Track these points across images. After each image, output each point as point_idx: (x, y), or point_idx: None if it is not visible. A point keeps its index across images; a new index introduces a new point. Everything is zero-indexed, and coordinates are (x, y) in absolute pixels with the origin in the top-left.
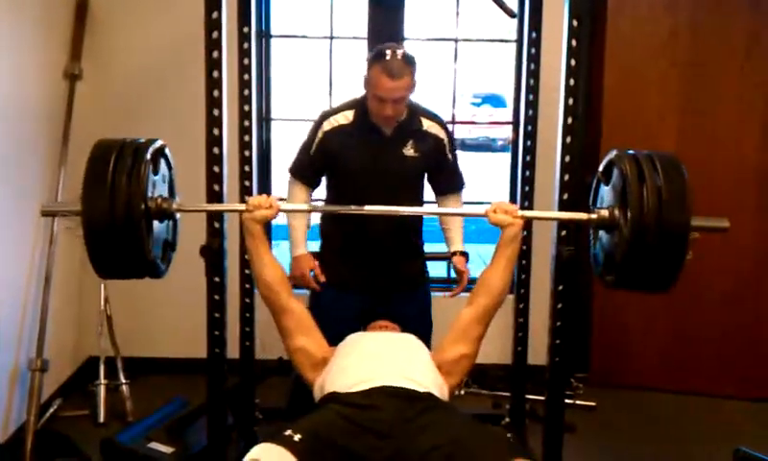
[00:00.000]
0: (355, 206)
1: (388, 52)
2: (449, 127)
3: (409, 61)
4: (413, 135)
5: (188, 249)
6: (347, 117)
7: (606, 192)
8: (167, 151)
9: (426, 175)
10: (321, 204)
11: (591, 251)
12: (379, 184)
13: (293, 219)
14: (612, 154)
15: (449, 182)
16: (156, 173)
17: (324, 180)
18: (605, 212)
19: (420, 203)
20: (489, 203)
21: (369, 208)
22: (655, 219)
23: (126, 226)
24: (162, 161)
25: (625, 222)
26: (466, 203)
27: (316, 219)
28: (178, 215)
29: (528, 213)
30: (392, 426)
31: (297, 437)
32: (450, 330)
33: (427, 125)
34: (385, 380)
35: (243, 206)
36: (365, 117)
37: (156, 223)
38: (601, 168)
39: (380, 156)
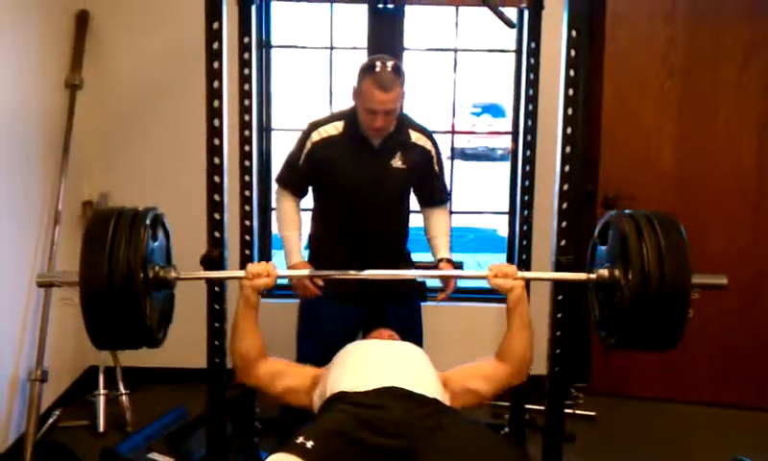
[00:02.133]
0: (354, 271)
1: (378, 64)
2: (438, 139)
3: (399, 73)
4: (401, 147)
5: (189, 258)
6: (336, 128)
7: (603, 253)
8: (164, 219)
9: (413, 187)
10: (308, 214)
11: (592, 312)
12: (367, 196)
13: (286, 230)
14: (609, 215)
15: (435, 195)
16: (154, 241)
17: (311, 190)
18: (604, 272)
19: (407, 214)
20: (488, 212)
21: (367, 273)
22: (657, 277)
23: (125, 296)
24: (160, 230)
25: (626, 281)
26: (467, 211)
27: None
28: (175, 286)
29: (527, 274)
30: (403, 426)
31: (309, 444)
32: (472, 366)
33: (415, 137)
34: (392, 382)
35: (242, 274)
36: (354, 128)
37: (154, 294)
38: (598, 229)
39: (369, 167)
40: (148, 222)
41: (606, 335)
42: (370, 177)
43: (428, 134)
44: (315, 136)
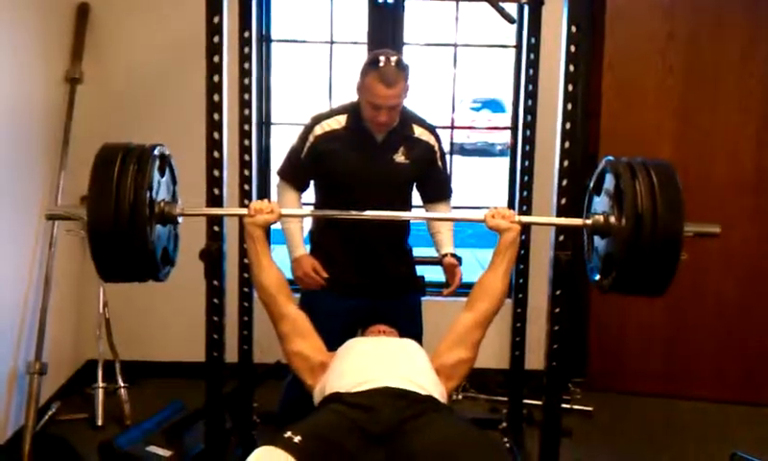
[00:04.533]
0: (355, 211)
1: (382, 59)
2: (440, 134)
3: (403, 68)
4: (404, 142)
5: (188, 252)
6: (339, 122)
7: (599, 199)
8: (171, 157)
9: (416, 182)
10: (311, 207)
11: (586, 256)
12: (370, 190)
13: (288, 223)
14: (605, 161)
15: (438, 190)
16: (161, 176)
17: (312, 183)
18: (599, 217)
19: (410, 208)
20: (487, 207)
21: (369, 214)
22: (650, 221)
23: (130, 227)
24: (166, 167)
25: (620, 225)
26: (464, 207)
27: (307, 222)
28: (180, 220)
29: (525, 218)
30: (391, 428)
31: (297, 438)
32: (448, 334)
33: (418, 132)
34: (387, 382)
35: (245, 211)
36: (357, 122)
37: (158, 227)
38: (594, 176)
39: (371, 161)
40: (155, 157)
41: (600, 279)
42: (372, 171)
43: (431, 129)
44: (318, 130)
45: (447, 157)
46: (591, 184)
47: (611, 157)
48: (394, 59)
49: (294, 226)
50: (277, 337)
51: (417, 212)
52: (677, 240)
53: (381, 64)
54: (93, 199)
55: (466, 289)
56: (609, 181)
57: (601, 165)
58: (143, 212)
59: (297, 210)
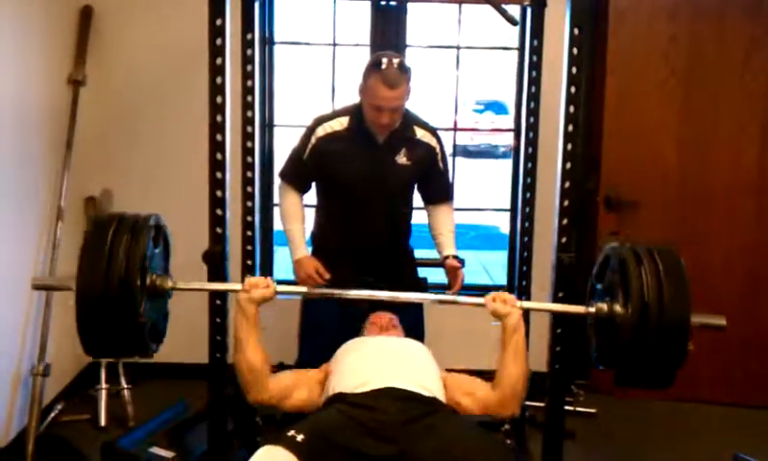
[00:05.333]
0: (354, 292)
1: (384, 61)
2: (442, 136)
3: (405, 70)
4: (405, 144)
5: (191, 254)
6: (341, 123)
7: (603, 286)
8: (166, 228)
9: (417, 184)
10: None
11: (589, 345)
12: (371, 191)
13: (290, 223)
14: (609, 248)
15: (439, 192)
16: (154, 247)
17: (314, 184)
18: (603, 306)
19: (410, 210)
20: (489, 209)
21: (367, 294)
22: (656, 312)
23: (120, 300)
24: (160, 238)
25: (625, 315)
26: (468, 208)
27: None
28: (169, 301)
29: (526, 304)
30: (395, 428)
31: (300, 437)
32: (467, 381)
33: (420, 134)
34: (391, 382)
35: (239, 287)
36: (359, 124)
37: (149, 302)
38: (598, 262)
39: (373, 163)
40: (148, 228)
41: (604, 370)
42: (374, 173)
43: (433, 131)
44: (320, 131)
45: (450, 158)
46: (595, 270)
47: (614, 244)
48: (396, 61)
49: (295, 226)
50: (270, 405)
51: (419, 295)
52: (684, 332)
53: (384, 66)
54: (83, 270)
55: (468, 291)
56: (613, 268)
57: (604, 252)
58: (134, 285)
59: (292, 288)
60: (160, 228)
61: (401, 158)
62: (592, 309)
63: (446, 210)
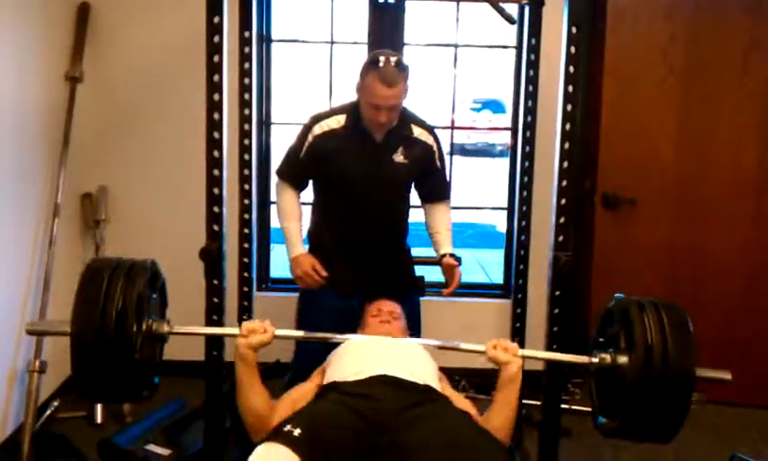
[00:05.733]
0: (340, 336)
1: (382, 59)
2: (440, 135)
3: (403, 68)
4: (403, 142)
5: (187, 251)
6: (338, 121)
7: (607, 337)
8: (161, 271)
9: (414, 182)
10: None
11: (591, 397)
12: (368, 189)
13: (287, 221)
14: (614, 301)
15: (436, 190)
16: (152, 293)
17: (311, 183)
18: (606, 357)
19: (407, 208)
20: (486, 207)
21: (360, 338)
22: (660, 365)
23: (116, 346)
24: (156, 284)
25: (628, 367)
26: (466, 207)
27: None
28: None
29: (527, 352)
30: (389, 416)
31: (296, 432)
32: (463, 401)
33: (417, 132)
34: (384, 370)
35: (237, 331)
36: (356, 122)
37: (145, 347)
38: (602, 313)
39: (370, 161)
40: (144, 273)
41: (606, 422)
42: (371, 171)
43: (430, 130)
44: (317, 129)
45: (447, 157)
46: (600, 322)
47: (620, 295)
48: (394, 59)
49: (292, 224)
50: None
51: (421, 340)
52: (688, 386)
53: (381, 65)
54: (78, 314)
55: (465, 289)
56: (617, 320)
57: (608, 306)
58: (130, 330)
59: (289, 332)
60: (156, 273)
61: (398, 157)
62: (595, 360)
63: (443, 209)
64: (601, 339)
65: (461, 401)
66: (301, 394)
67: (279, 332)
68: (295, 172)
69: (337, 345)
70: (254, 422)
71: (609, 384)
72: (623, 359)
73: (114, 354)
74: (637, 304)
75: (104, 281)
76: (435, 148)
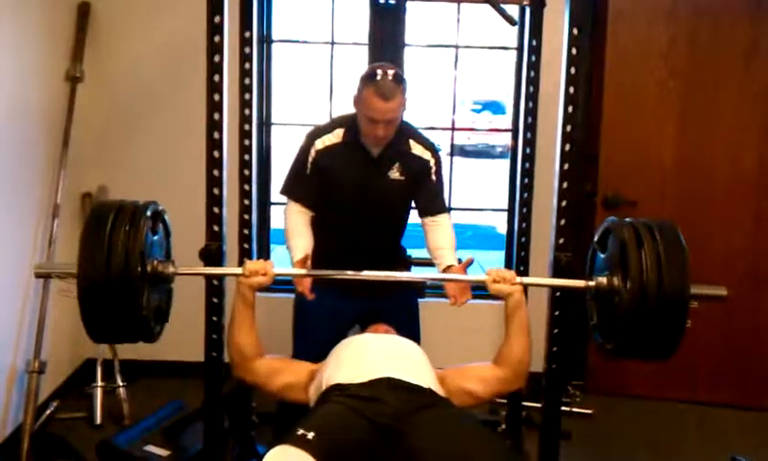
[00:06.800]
0: (351, 272)
1: (379, 72)
2: (439, 137)
3: (400, 81)
4: (400, 158)
5: (187, 252)
6: (338, 136)
7: (603, 260)
8: (165, 213)
9: (413, 198)
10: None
11: (589, 318)
12: (365, 206)
13: (294, 240)
14: (608, 221)
15: (430, 203)
16: (154, 234)
17: None
18: (603, 280)
19: (405, 221)
20: (487, 209)
21: (366, 274)
22: (655, 287)
23: (121, 288)
24: (160, 225)
25: (624, 289)
26: (466, 208)
27: None
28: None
29: (526, 280)
30: (398, 421)
31: (310, 435)
32: (469, 368)
33: (415, 148)
34: (388, 372)
35: (240, 271)
36: (354, 136)
37: (151, 288)
38: (597, 236)
39: (366, 178)
40: (148, 215)
41: (603, 342)
42: (368, 188)
43: (429, 146)
44: (318, 144)
45: (447, 159)
46: (594, 244)
47: (614, 218)
48: (391, 72)
49: (299, 242)
50: (254, 387)
51: (416, 274)
52: (683, 305)
53: (378, 78)
54: (84, 259)
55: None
56: (612, 243)
57: (604, 225)
58: (135, 273)
59: (291, 270)
60: (159, 214)
61: (394, 173)
62: (592, 283)
63: (442, 223)
64: (599, 254)
65: (479, 369)
66: (293, 365)
67: (279, 270)
68: (303, 189)
69: (334, 339)
70: (238, 360)
71: (606, 306)
72: (619, 281)
73: (120, 296)
74: (632, 226)
75: (108, 224)
76: (432, 163)
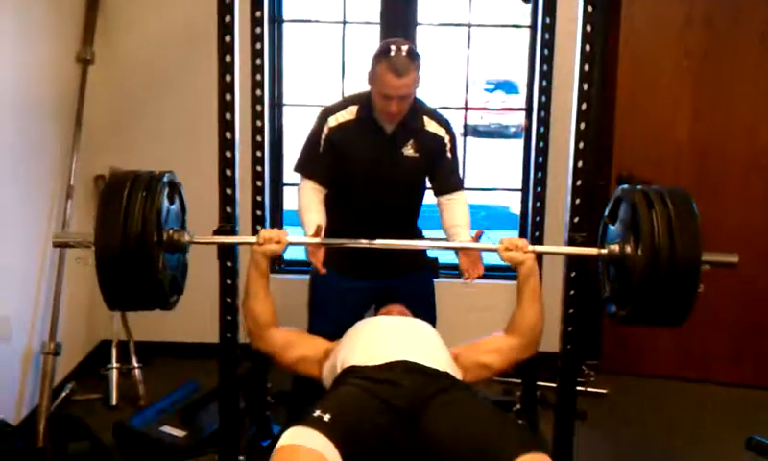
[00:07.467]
0: (366, 240)
1: (393, 48)
2: (452, 116)
3: (414, 57)
4: (414, 134)
5: (201, 233)
6: (351, 113)
7: (615, 228)
8: (181, 185)
9: (428, 176)
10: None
11: (602, 286)
12: (379, 183)
13: (307, 215)
14: (620, 189)
15: (446, 181)
16: (171, 204)
17: None
18: (615, 247)
19: (420, 200)
20: (501, 189)
21: (380, 243)
22: (667, 253)
23: (138, 255)
24: (176, 197)
25: (636, 256)
26: (479, 188)
27: None
28: (188, 253)
29: (538, 248)
30: (414, 404)
31: (326, 417)
32: (482, 341)
33: (429, 125)
34: (403, 355)
35: (254, 239)
36: (368, 113)
37: (167, 256)
38: (610, 204)
39: (381, 154)
40: (164, 182)
41: (616, 310)
42: (382, 165)
43: (444, 122)
44: (332, 121)
45: (461, 139)
46: (606, 212)
47: (625, 186)
48: (405, 48)
49: (312, 217)
50: (269, 357)
51: (429, 241)
52: (695, 272)
53: (392, 54)
54: (101, 226)
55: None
56: (624, 211)
57: (616, 193)
58: (151, 240)
59: (305, 239)
60: (175, 184)
61: (408, 150)
62: (605, 250)
63: (457, 201)
64: (611, 224)
65: (493, 342)
66: (309, 339)
67: (293, 239)
68: (317, 166)
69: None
70: (254, 328)
71: (619, 272)
72: (630, 249)
73: (137, 261)
74: (643, 192)
75: (125, 191)
76: (447, 140)
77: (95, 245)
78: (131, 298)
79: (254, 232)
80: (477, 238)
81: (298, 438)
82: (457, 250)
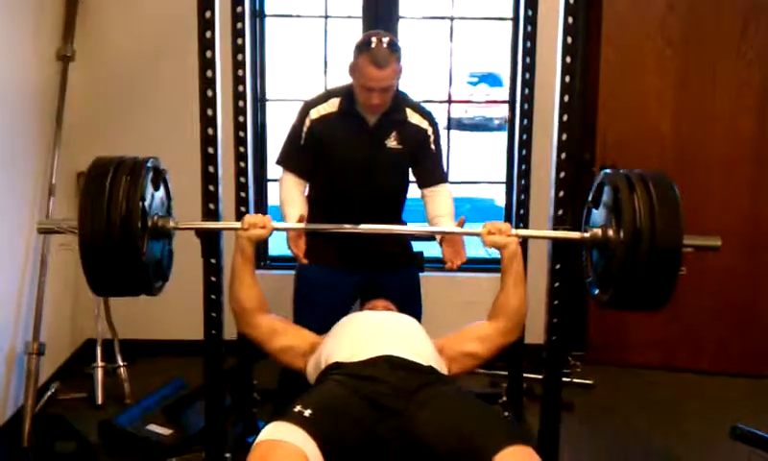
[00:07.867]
0: (349, 225)
1: (374, 40)
2: (436, 109)
3: (395, 49)
4: (396, 126)
5: (185, 231)
6: (333, 105)
7: (597, 213)
8: (166, 172)
9: (412, 168)
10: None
11: (584, 270)
12: (363, 176)
13: (288, 208)
14: (603, 174)
15: (429, 173)
16: (155, 190)
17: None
18: (598, 231)
19: (404, 192)
20: (484, 182)
21: (363, 227)
22: (648, 235)
23: (122, 242)
24: (160, 181)
25: (618, 239)
26: (464, 181)
27: None
28: (173, 240)
29: (522, 232)
30: (395, 400)
31: (307, 412)
32: (465, 331)
33: (412, 117)
34: (387, 350)
35: (239, 224)
36: (351, 106)
37: (152, 242)
38: (593, 189)
39: (363, 146)
40: (148, 169)
41: (599, 294)
42: (364, 156)
43: (426, 114)
44: (313, 114)
45: (444, 132)
46: (590, 197)
47: (608, 170)
48: (386, 40)
49: (293, 210)
50: (255, 344)
51: (412, 226)
52: (676, 255)
53: (373, 46)
54: (85, 212)
55: (464, 265)
56: (607, 195)
57: (599, 178)
58: (135, 226)
59: (289, 224)
60: (159, 170)
61: (391, 142)
62: (587, 234)
63: (441, 193)
64: (594, 208)
65: (477, 329)
66: (295, 330)
67: (278, 224)
68: (298, 159)
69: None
70: (240, 312)
71: (602, 255)
72: (613, 232)
73: (121, 246)
74: (625, 176)
75: (109, 176)
76: (430, 132)
77: (79, 230)
78: (115, 283)
79: None
80: (461, 225)
81: (277, 433)
82: (440, 236)
